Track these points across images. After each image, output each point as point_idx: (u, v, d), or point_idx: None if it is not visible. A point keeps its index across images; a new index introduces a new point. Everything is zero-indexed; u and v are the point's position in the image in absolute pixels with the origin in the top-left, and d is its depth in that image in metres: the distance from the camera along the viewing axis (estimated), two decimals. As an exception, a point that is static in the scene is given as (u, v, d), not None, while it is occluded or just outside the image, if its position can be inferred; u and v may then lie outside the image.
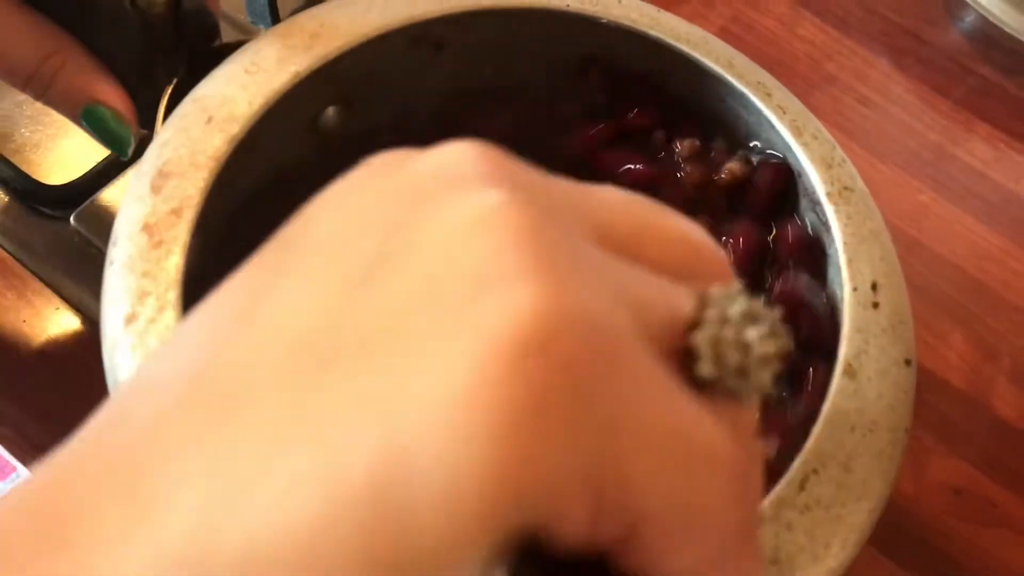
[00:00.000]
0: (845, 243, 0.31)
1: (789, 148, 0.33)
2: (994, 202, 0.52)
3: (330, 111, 0.34)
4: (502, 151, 0.16)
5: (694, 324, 0.16)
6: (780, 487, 0.26)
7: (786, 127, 0.33)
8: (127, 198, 0.28)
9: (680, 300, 0.16)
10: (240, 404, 0.14)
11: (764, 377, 0.16)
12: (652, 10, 0.35)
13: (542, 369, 0.13)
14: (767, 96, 0.34)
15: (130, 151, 0.33)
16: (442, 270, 0.14)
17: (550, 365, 0.13)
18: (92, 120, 0.32)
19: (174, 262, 0.26)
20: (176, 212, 0.27)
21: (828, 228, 0.32)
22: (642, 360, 0.14)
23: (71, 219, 0.43)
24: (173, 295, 0.26)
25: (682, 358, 0.16)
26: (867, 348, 0.29)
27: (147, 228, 0.27)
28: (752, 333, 0.15)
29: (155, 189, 0.27)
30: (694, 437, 0.15)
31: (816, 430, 0.27)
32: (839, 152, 0.34)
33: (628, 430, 0.14)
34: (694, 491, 0.15)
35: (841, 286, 0.31)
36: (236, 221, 0.30)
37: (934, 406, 0.46)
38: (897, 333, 0.30)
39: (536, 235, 0.14)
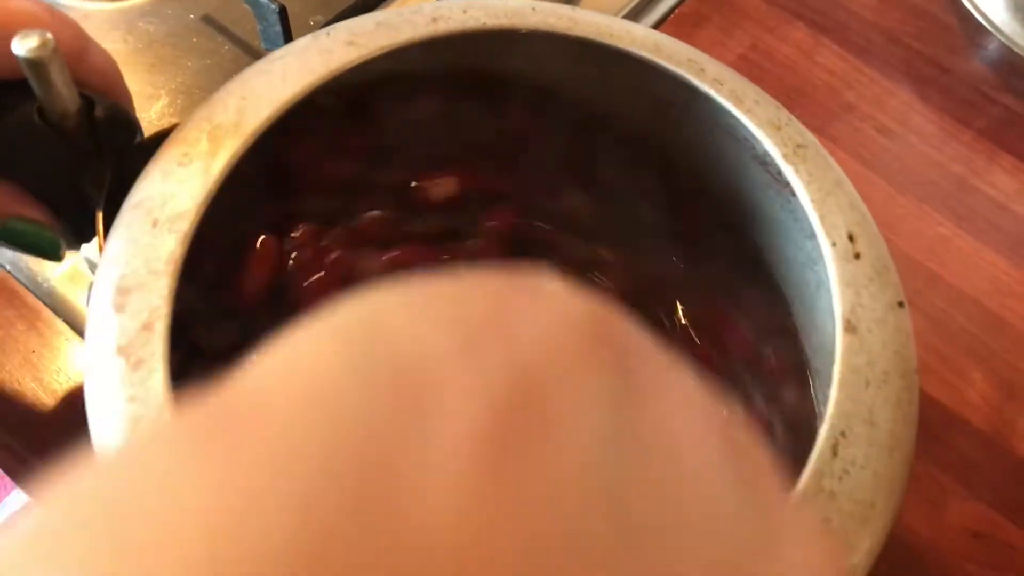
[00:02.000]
0: (812, 200, 0.31)
1: (733, 117, 0.33)
2: (1017, 236, 0.51)
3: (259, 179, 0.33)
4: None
5: None
6: (814, 459, 0.26)
7: (726, 98, 0.33)
8: (89, 324, 0.26)
9: None
10: None
11: None
12: (568, 10, 0.34)
13: None
14: (701, 72, 0.33)
15: (63, 254, 0.31)
16: None
17: None
18: (13, 236, 0.30)
19: (158, 379, 0.25)
20: (147, 327, 0.25)
21: (790, 190, 0.32)
22: None
23: (82, 249, 0.43)
24: (167, 415, 0.25)
25: None
26: (860, 300, 0.29)
27: (121, 351, 0.25)
28: None
29: (118, 307, 0.26)
30: None
31: (833, 393, 0.27)
32: (784, 112, 0.33)
33: None
34: None
35: (818, 247, 0.30)
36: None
37: (952, 445, 0.45)
38: (884, 279, 0.30)
39: None
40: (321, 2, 0.53)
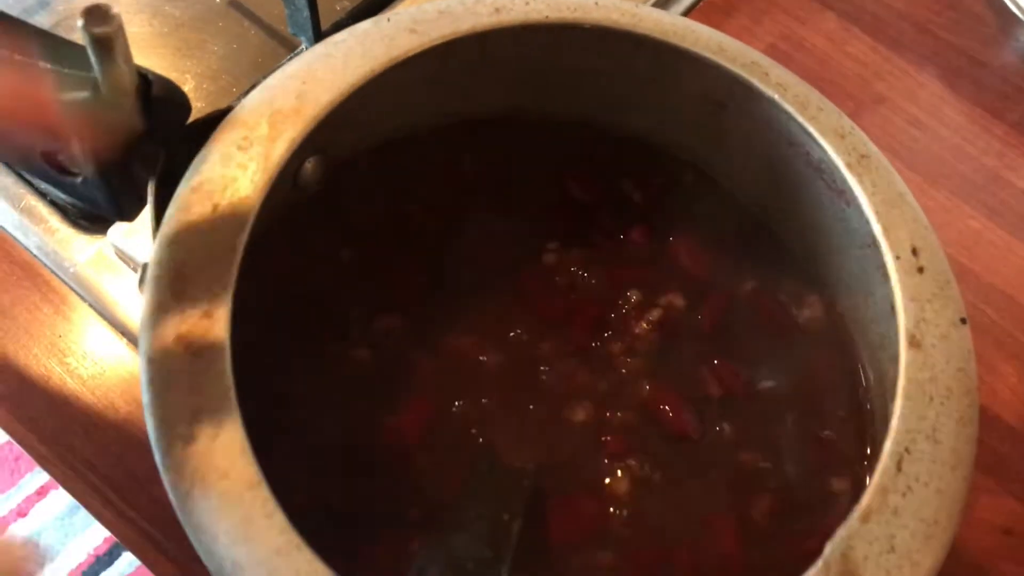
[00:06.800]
0: (876, 212, 0.31)
1: (797, 123, 0.32)
2: (1049, 230, 0.50)
3: (309, 163, 0.32)
4: None
5: None
6: (878, 475, 0.26)
7: (789, 103, 0.32)
8: (146, 308, 0.25)
9: None
10: None
11: None
12: (632, 8, 0.34)
13: None
14: (765, 76, 0.33)
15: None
16: None
17: None
18: None
19: (220, 368, 0.24)
20: (207, 314, 0.25)
21: (846, 198, 0.31)
22: None
23: (108, 234, 0.43)
24: (230, 404, 0.24)
25: None
26: (924, 315, 0.29)
27: (180, 339, 0.25)
28: None
29: (177, 294, 0.25)
30: None
31: (898, 408, 0.27)
32: (847, 120, 0.33)
33: None
34: None
35: (872, 257, 0.30)
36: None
37: (983, 441, 0.44)
38: (946, 294, 0.30)
39: None
40: (347, -13, 0.53)
